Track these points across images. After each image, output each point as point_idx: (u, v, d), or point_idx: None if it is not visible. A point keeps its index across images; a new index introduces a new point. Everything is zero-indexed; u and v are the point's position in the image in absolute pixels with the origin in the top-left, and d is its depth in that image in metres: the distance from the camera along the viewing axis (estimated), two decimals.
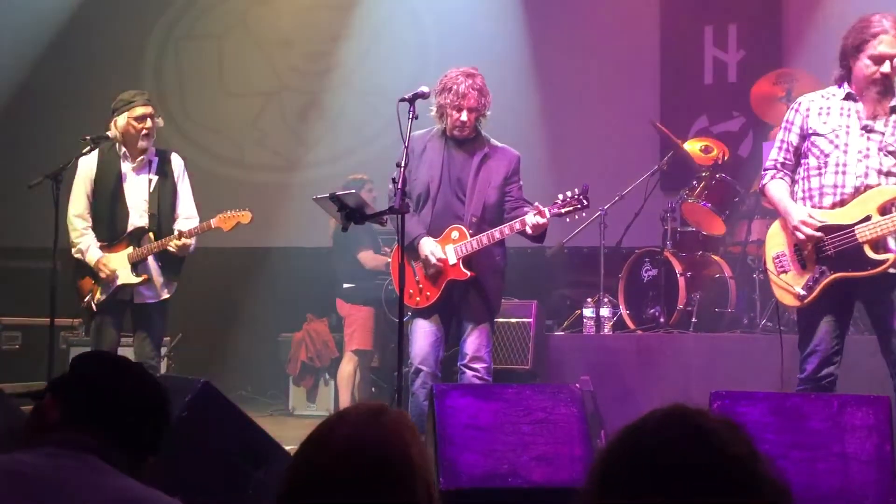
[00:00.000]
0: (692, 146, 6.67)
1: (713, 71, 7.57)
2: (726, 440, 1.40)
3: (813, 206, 3.92)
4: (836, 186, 3.88)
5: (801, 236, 3.86)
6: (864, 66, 3.80)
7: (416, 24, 8.09)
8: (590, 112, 7.71)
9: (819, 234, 3.82)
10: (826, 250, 3.85)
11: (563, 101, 7.76)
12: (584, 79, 7.75)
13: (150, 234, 4.92)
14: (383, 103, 4.49)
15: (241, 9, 8.72)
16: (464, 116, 4.54)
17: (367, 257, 6.53)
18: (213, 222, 4.91)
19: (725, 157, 6.59)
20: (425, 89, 4.44)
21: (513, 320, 5.96)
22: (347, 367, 6.62)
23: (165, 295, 5.04)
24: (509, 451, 3.40)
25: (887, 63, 3.75)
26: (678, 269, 6.03)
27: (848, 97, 3.91)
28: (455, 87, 4.50)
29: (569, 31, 7.79)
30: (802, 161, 4.00)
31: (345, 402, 6.50)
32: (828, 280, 3.86)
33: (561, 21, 7.81)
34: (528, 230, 4.45)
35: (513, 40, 7.82)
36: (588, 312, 6.10)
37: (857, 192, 3.84)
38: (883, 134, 3.81)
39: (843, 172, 3.86)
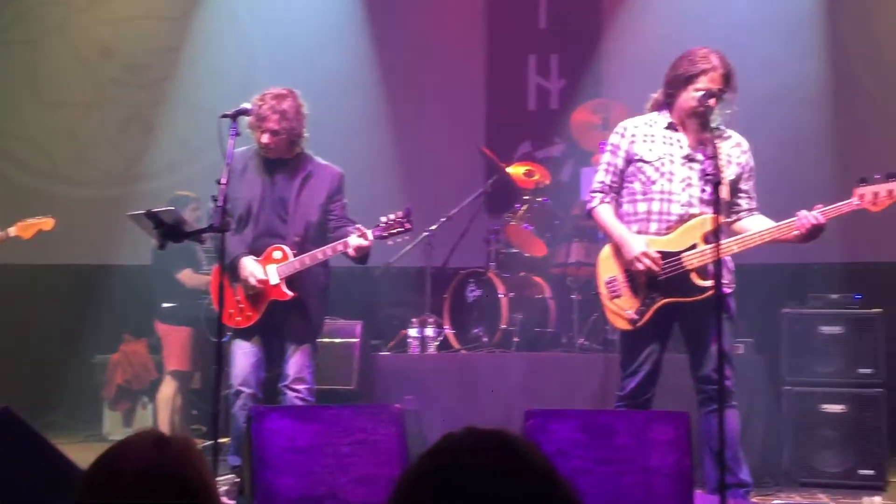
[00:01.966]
0: (516, 170, 6.86)
1: (536, 98, 7.81)
2: (527, 460, 1.44)
3: (639, 232, 4.08)
4: (661, 213, 4.05)
5: (641, 267, 4.00)
6: (690, 97, 3.99)
7: (245, 39, 7.95)
8: (417, 134, 7.79)
9: (657, 267, 3.97)
10: (657, 276, 4.01)
11: (392, 122, 7.81)
12: (413, 102, 7.83)
13: None
14: (209, 118, 4.36)
15: (60, 16, 8.32)
16: (264, 138, 4.50)
17: (188, 276, 6.34)
18: (12, 231, 4.64)
19: (547, 182, 6.81)
20: (248, 106, 4.38)
21: (337, 340, 5.93)
22: (167, 389, 6.39)
23: None
24: (327, 473, 3.37)
25: (712, 98, 3.96)
26: (501, 289, 6.17)
27: (670, 127, 4.12)
28: (258, 108, 4.46)
29: (399, 54, 7.86)
30: (626, 185, 4.14)
31: (164, 425, 6.27)
32: (658, 305, 4.02)
33: (391, 45, 7.86)
34: (351, 252, 4.45)
35: (344, 62, 7.81)
36: (413, 332, 6.14)
37: (682, 219, 4.03)
38: (702, 163, 4.02)
39: (669, 200, 4.05)
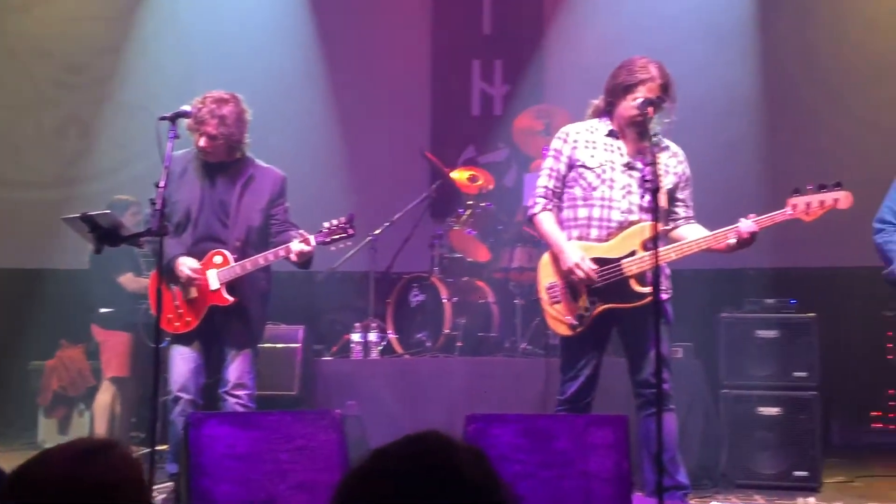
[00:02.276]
0: (460, 175, 6.88)
1: (480, 103, 7.85)
2: (468, 466, 1.44)
3: (580, 238, 4.11)
4: (602, 220, 4.09)
5: (576, 278, 4.03)
6: (629, 106, 4.04)
7: (186, 40, 7.85)
8: (362, 138, 7.78)
9: (592, 278, 4.00)
10: (596, 282, 4.05)
11: (336, 126, 7.78)
12: (357, 106, 7.82)
13: None
14: (149, 120, 4.30)
15: None
16: (202, 142, 4.45)
17: (129, 280, 6.23)
18: None
19: (490, 187, 6.84)
20: (187, 108, 4.33)
21: (279, 345, 5.88)
22: (104, 395, 6.27)
23: None
24: (266, 479, 3.34)
25: (647, 100, 4.01)
26: (444, 294, 6.18)
27: (611, 134, 4.16)
28: (197, 111, 4.41)
29: (344, 57, 7.84)
30: (567, 190, 4.18)
31: (101, 432, 6.15)
32: (597, 311, 4.06)
33: (336, 48, 7.84)
34: (293, 257, 4.42)
35: (287, 65, 7.77)
36: (356, 337, 6.12)
37: (622, 226, 4.07)
38: (641, 171, 4.07)
39: (610, 207, 4.09)
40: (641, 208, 4.07)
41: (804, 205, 3.94)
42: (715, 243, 4.02)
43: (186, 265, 4.43)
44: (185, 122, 4.38)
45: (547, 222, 4.17)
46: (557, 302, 4.12)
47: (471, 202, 6.54)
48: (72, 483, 1.33)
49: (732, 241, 3.97)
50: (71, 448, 1.40)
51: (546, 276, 4.17)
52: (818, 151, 6.85)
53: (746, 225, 3.94)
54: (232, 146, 4.50)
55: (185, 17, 7.96)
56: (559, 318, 4.12)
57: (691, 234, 4.11)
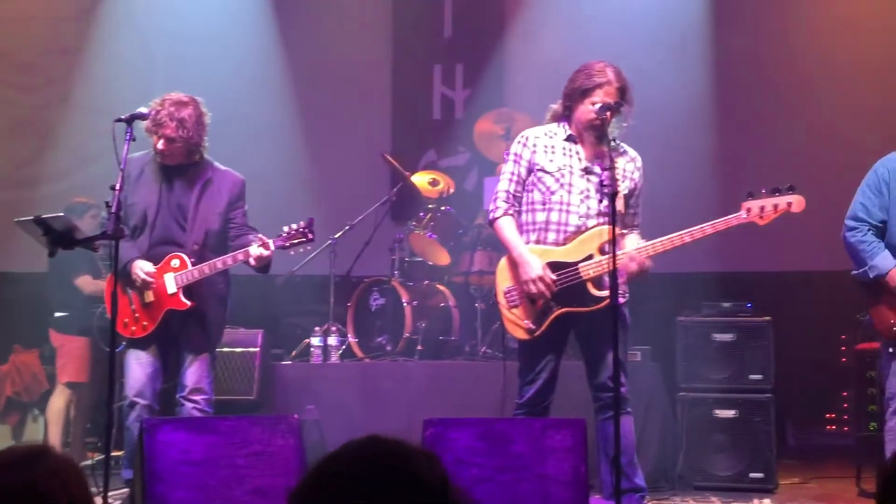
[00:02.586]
0: (420, 179, 6.88)
1: (441, 107, 7.86)
2: (421, 470, 1.44)
3: (538, 241, 4.13)
4: (560, 224, 4.11)
5: (534, 290, 4.02)
6: (587, 110, 4.07)
7: (143, 41, 7.77)
8: (322, 141, 7.76)
9: (550, 293, 4.01)
10: (553, 292, 4.05)
11: (296, 128, 7.75)
12: (318, 109, 7.79)
13: None
14: (105, 122, 4.26)
15: None
16: (160, 144, 4.41)
17: (86, 282, 6.15)
18: None
19: (451, 191, 6.85)
20: (144, 110, 4.29)
21: (238, 350, 5.83)
22: (58, 401, 6.18)
23: None
24: (223, 485, 3.32)
25: (605, 105, 4.03)
26: (405, 297, 6.17)
27: (569, 139, 4.18)
28: (156, 113, 4.37)
29: (304, 61, 7.81)
30: (527, 194, 4.19)
31: (55, 438, 6.06)
32: (555, 314, 4.07)
33: (297, 51, 7.81)
34: (252, 262, 4.39)
35: (247, 67, 7.72)
36: (316, 341, 6.09)
37: (579, 230, 4.09)
38: (599, 176, 4.10)
39: (567, 211, 4.11)
40: (599, 213, 4.10)
41: (758, 208, 3.98)
42: (679, 242, 4.03)
43: (141, 268, 4.38)
44: (142, 124, 4.34)
45: (507, 228, 4.18)
46: (515, 306, 4.13)
47: (431, 206, 6.54)
48: (7, 489, 1.31)
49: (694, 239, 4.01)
50: (3, 455, 1.38)
51: (504, 280, 4.18)
52: (769, 158, 6.95)
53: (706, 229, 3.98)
54: (190, 149, 4.46)
55: (143, 19, 7.88)
56: (517, 323, 4.13)
57: (628, 244, 4.13)
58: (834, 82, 7.17)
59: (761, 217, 3.99)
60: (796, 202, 3.98)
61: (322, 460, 1.41)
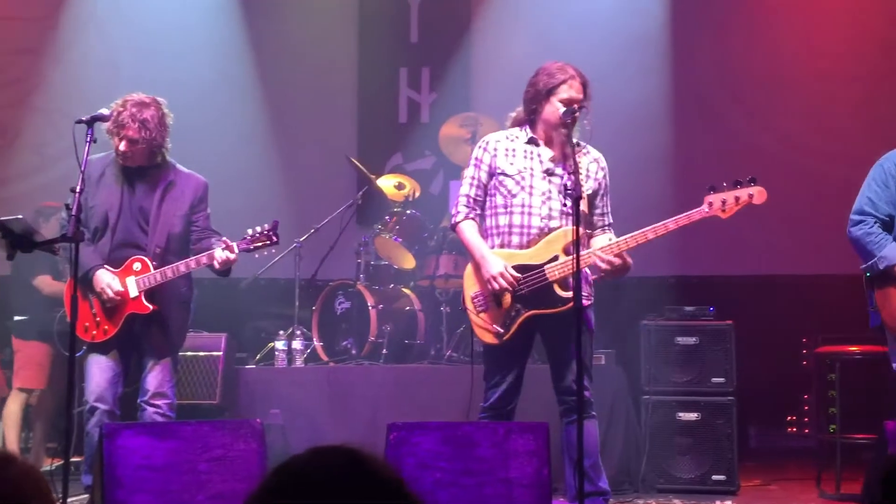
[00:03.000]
0: (386, 182, 6.87)
1: (407, 111, 7.86)
2: (377, 476, 1.43)
3: (502, 245, 4.13)
4: (522, 226, 4.12)
5: (497, 287, 4.04)
6: (554, 109, 4.08)
7: (107, 43, 7.69)
8: (288, 144, 7.72)
9: (513, 286, 4.02)
10: (520, 289, 4.06)
11: (261, 131, 7.72)
12: (284, 111, 7.76)
13: None
14: (67, 124, 4.22)
15: None
16: (122, 146, 4.36)
17: (45, 283, 6.06)
18: None
19: (417, 194, 6.85)
20: (105, 111, 4.25)
21: (201, 354, 5.78)
22: (13, 405, 6.08)
23: None
24: (184, 490, 3.29)
25: (574, 107, 4.06)
26: (370, 301, 6.15)
27: (531, 141, 4.19)
28: (117, 114, 4.32)
29: (270, 63, 7.77)
30: (489, 198, 4.20)
31: (12, 443, 5.97)
32: (523, 317, 4.07)
33: (262, 54, 7.77)
34: (216, 265, 4.36)
35: (212, 70, 7.67)
36: (280, 345, 6.06)
37: (542, 232, 4.10)
38: (562, 177, 4.11)
39: (529, 213, 4.11)
40: (562, 214, 4.11)
41: (720, 202, 4.00)
42: (643, 240, 4.04)
43: (109, 285, 4.33)
44: (104, 125, 4.30)
45: (468, 231, 4.19)
46: (483, 311, 4.14)
47: (397, 209, 6.54)
48: None
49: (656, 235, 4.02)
50: None
51: (471, 285, 4.18)
52: (731, 158, 7.01)
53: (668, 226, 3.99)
54: (153, 150, 4.42)
55: (107, 20, 7.80)
56: (485, 328, 4.13)
57: (598, 243, 4.14)
58: (792, 85, 7.27)
59: (723, 210, 4.00)
60: (758, 194, 3.97)
61: (279, 465, 1.40)
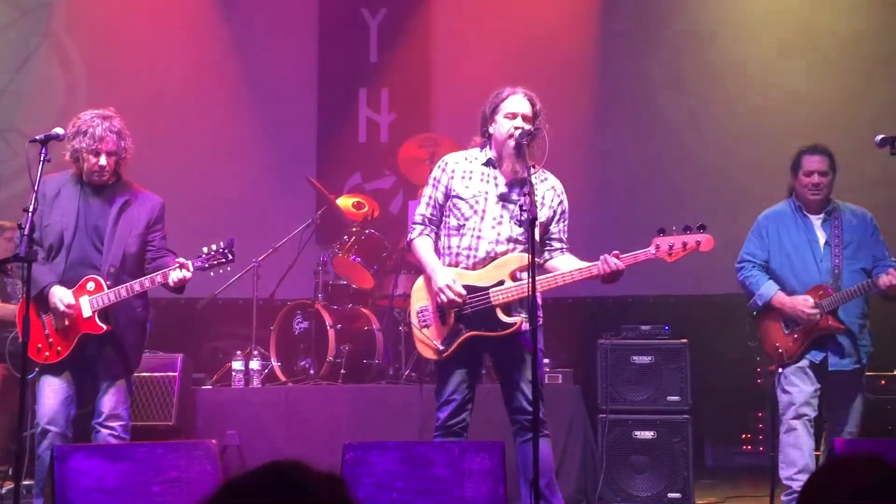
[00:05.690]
0: (345, 202, 6.88)
1: (367, 131, 7.88)
2: (322, 493, 1.44)
3: (451, 265, 4.17)
4: (470, 249, 4.15)
5: (444, 299, 4.07)
6: (501, 125, 4.15)
7: (64, 60, 7.63)
8: (247, 164, 7.70)
9: (459, 300, 4.05)
10: (464, 309, 4.09)
11: (220, 151, 7.69)
12: (243, 131, 7.74)
13: None
14: (22, 142, 4.19)
15: None
16: (102, 161, 4.34)
17: None
18: None
19: (376, 214, 6.86)
20: (60, 131, 4.22)
21: (156, 374, 5.72)
22: None
23: None
24: None
25: (519, 118, 4.12)
26: (329, 321, 6.14)
27: (488, 163, 4.23)
28: (91, 129, 4.30)
29: (230, 82, 7.75)
30: (444, 219, 4.24)
31: None
32: (464, 337, 4.10)
33: (222, 73, 7.75)
34: (171, 284, 4.33)
35: (170, 87, 7.63)
36: (237, 365, 6.02)
37: (489, 256, 4.14)
38: (516, 202, 4.15)
39: (479, 237, 4.15)
40: (510, 239, 4.14)
41: (667, 246, 4.06)
42: (580, 277, 4.11)
43: (61, 299, 4.28)
44: (70, 145, 4.27)
45: (423, 246, 4.23)
46: (427, 326, 4.17)
47: (356, 229, 6.54)
48: None
49: (599, 274, 4.06)
50: None
51: (418, 300, 4.22)
52: (694, 190, 7.12)
53: (611, 261, 4.02)
54: (120, 162, 4.41)
55: (63, 36, 7.74)
56: (427, 343, 4.17)
57: (563, 265, 4.18)
58: (736, 111, 7.42)
59: (669, 255, 4.06)
60: (705, 241, 4.05)
61: (222, 485, 1.40)
